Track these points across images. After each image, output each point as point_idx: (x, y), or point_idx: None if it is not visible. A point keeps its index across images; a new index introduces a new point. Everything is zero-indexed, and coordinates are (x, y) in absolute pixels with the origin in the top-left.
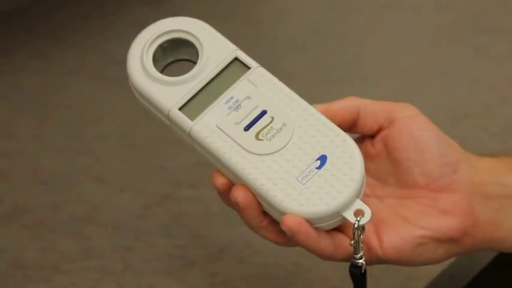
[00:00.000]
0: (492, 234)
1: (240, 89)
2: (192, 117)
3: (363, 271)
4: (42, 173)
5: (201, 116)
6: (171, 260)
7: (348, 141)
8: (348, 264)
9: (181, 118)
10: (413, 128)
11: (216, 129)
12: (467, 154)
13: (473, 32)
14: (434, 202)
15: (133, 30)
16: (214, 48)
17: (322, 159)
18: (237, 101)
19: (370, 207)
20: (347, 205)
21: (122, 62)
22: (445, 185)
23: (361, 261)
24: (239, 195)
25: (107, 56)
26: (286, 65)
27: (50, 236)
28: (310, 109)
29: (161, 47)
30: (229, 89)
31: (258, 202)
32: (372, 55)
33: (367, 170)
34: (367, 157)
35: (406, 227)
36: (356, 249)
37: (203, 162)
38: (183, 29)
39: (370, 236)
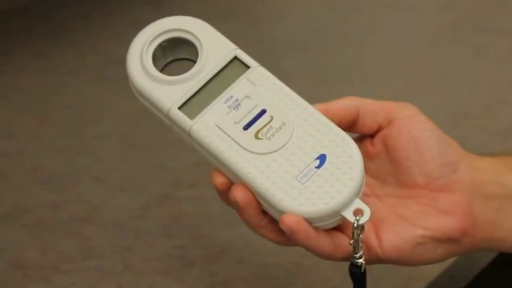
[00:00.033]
0: (492, 234)
1: (239, 88)
2: (191, 117)
3: (362, 270)
4: (42, 173)
5: (200, 115)
6: (170, 260)
7: (347, 141)
8: (347, 264)
9: (181, 117)
10: (412, 127)
11: (216, 128)
12: (467, 154)
13: (474, 32)
14: (434, 202)
15: (133, 30)
16: (214, 47)
17: (322, 158)
18: (237, 100)
19: (369, 207)
20: (346, 204)
21: (122, 62)
22: (444, 185)
23: (360, 260)
24: (238, 194)
25: (107, 55)
26: (286, 65)
27: (50, 236)
28: (310, 108)
29: (161, 46)
30: (228, 88)
31: (257, 201)
32: (372, 55)
33: (367, 170)
34: (366, 157)
35: (405, 226)
36: (355, 249)
37: (203, 162)
38: (183, 28)
39: (369, 235)
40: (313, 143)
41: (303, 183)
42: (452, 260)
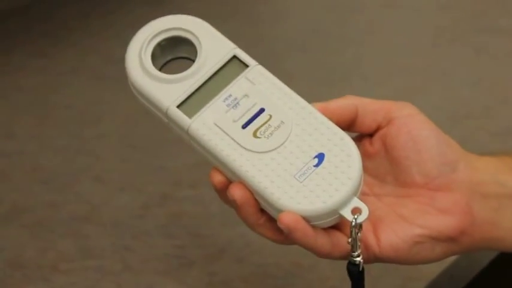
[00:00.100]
0: (491, 234)
1: (238, 87)
2: (190, 115)
3: (360, 269)
4: (41, 172)
5: (199, 113)
6: (170, 260)
7: (345, 140)
8: (346, 263)
9: (180, 116)
10: (411, 127)
11: (214, 127)
12: (466, 153)
13: (474, 32)
14: (432, 201)
15: (133, 29)
16: (213, 46)
17: (320, 157)
18: (235, 98)
19: (367, 206)
20: (344, 203)
21: (122, 62)
22: (443, 184)
23: (358, 259)
24: (236, 192)
25: (107, 55)
26: (286, 65)
27: (49, 236)
28: (308, 107)
29: (160, 45)
30: (227, 87)
31: (255, 200)
32: (372, 55)
33: (366, 169)
34: (365, 156)
35: (403, 225)
36: (353, 247)
37: (203, 162)
38: (182, 27)
39: (367, 234)
40: (311, 141)
41: (301, 182)
42: (451, 260)
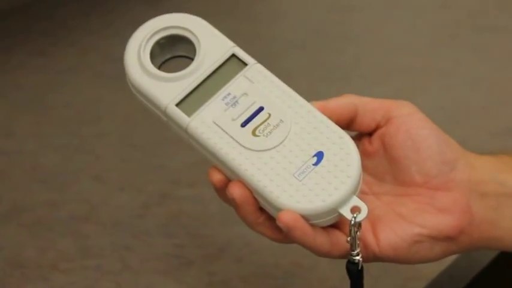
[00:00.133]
0: (489, 233)
1: (237, 85)
2: (189, 114)
3: (359, 268)
4: (40, 171)
5: (198, 112)
6: (169, 260)
7: (344, 138)
8: (345, 262)
9: (178, 114)
10: (410, 126)
11: (213, 125)
12: (466, 152)
13: (474, 32)
14: (432, 200)
15: (133, 28)
16: (212, 44)
17: (319, 155)
18: (234, 97)
19: (366, 204)
20: (343, 202)
21: (122, 60)
22: (442, 183)
23: (357, 258)
24: (235, 191)
25: (107, 54)
26: (285, 64)
27: (48, 235)
28: (307, 106)
29: (158, 43)
30: (226, 86)
31: (255, 198)
32: (371, 54)
33: (365, 168)
34: (364, 155)
35: (402, 224)
36: (352, 246)
37: (202, 161)
38: (181, 25)
39: (366, 233)
40: (310, 140)
41: (300, 181)
42: (451, 260)
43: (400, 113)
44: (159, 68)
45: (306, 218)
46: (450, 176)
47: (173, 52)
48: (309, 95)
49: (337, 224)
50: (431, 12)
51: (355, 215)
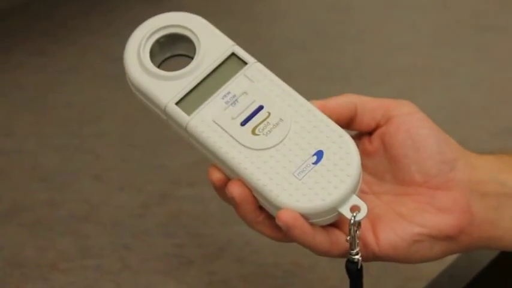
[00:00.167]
0: (489, 233)
1: (236, 84)
2: (188, 112)
3: (359, 267)
4: (40, 171)
5: (197, 110)
6: (169, 259)
7: (344, 137)
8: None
9: (178, 113)
10: (410, 125)
11: (213, 124)
12: (466, 152)
13: (474, 32)
14: (431, 199)
15: (133, 27)
16: (212, 43)
17: (319, 154)
18: (234, 96)
19: (366, 203)
20: (343, 201)
21: (122, 60)
22: (441, 183)
23: (357, 257)
24: (235, 190)
25: (107, 53)
26: (285, 64)
27: (48, 235)
28: (307, 105)
29: (158, 42)
30: (226, 84)
31: (254, 197)
32: (371, 54)
33: (365, 167)
34: (364, 154)
35: (402, 224)
36: (352, 245)
37: (202, 161)
38: (180, 24)
39: (366, 232)
40: (310, 139)
41: (300, 179)
42: (451, 260)
43: (400, 113)
44: (159, 66)
45: (305, 216)
46: (450, 176)
47: (173, 51)
48: (309, 95)
49: (337, 223)
50: (432, 12)
51: (354, 214)
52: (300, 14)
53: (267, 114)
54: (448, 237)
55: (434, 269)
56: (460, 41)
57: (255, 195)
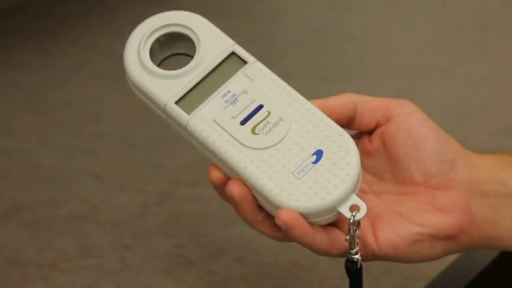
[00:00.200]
0: (489, 233)
1: (236, 83)
2: (188, 111)
3: (358, 266)
4: (40, 170)
5: (197, 109)
6: (169, 259)
7: (344, 136)
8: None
9: (178, 112)
10: (410, 124)
11: (212, 123)
12: (466, 151)
13: (475, 32)
14: (431, 199)
15: (133, 26)
16: (212, 42)
17: (318, 153)
18: (234, 95)
19: (366, 203)
20: (342, 200)
21: (122, 59)
22: (442, 182)
23: (356, 256)
24: (234, 189)
25: (107, 53)
26: (285, 64)
27: (48, 234)
28: (307, 104)
29: (158, 41)
30: (226, 83)
31: (254, 196)
32: (372, 54)
33: (365, 166)
34: (364, 153)
35: (402, 223)
36: (351, 245)
37: (202, 161)
38: (181, 23)
39: (366, 232)
40: (310, 138)
41: (299, 179)
42: (452, 259)
43: (400, 112)
44: (159, 65)
45: (305, 216)
46: (450, 175)
47: (173, 50)
48: (309, 95)
49: (337, 223)
50: (432, 12)
51: (354, 214)
52: (300, 13)
53: (267, 113)
54: (448, 237)
55: (434, 269)
56: (460, 40)
57: (255, 194)
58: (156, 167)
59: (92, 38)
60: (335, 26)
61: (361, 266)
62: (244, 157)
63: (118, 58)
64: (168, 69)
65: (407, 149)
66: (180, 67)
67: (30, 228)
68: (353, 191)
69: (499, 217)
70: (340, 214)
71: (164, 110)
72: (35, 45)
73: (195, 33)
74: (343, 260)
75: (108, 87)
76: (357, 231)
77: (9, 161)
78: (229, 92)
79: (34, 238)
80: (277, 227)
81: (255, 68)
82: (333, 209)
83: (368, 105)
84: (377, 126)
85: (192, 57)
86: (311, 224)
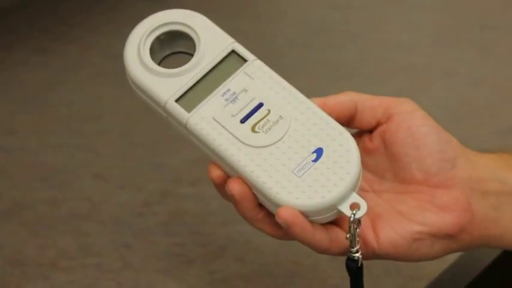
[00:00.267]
0: (489, 232)
1: (236, 81)
2: (188, 109)
3: (359, 265)
4: (41, 169)
5: (197, 108)
6: (170, 258)
7: (344, 135)
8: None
9: (178, 110)
10: (411, 123)
11: (212, 121)
12: (466, 150)
13: (477, 31)
14: (432, 198)
15: (134, 25)
16: (212, 40)
17: (318, 152)
18: (234, 93)
19: (366, 201)
20: (343, 198)
21: (122, 58)
22: (442, 181)
23: (357, 255)
24: (235, 187)
25: (108, 51)
26: (287, 62)
27: (49, 233)
28: (307, 102)
29: (158, 39)
30: (226, 82)
31: (254, 194)
32: (373, 53)
33: (365, 165)
34: (365, 152)
35: (402, 222)
36: (352, 243)
37: (203, 159)
38: (181, 21)
39: (366, 230)
40: (310, 136)
41: (299, 177)
42: (453, 259)
43: (401, 110)
44: (159, 64)
45: (305, 214)
46: (450, 174)
47: (173, 48)
48: (311, 93)
49: (337, 221)
50: (434, 11)
51: (354, 212)
52: (301, 12)
53: (267, 111)
54: (448, 236)
55: (436, 268)
56: (462, 40)
57: (255, 192)
58: (156, 166)
59: (92, 36)
60: (336, 25)
61: (362, 264)
62: (244, 155)
63: (119, 57)
64: (168, 68)
65: (407, 148)
66: (180, 65)
67: (31, 227)
68: (353, 189)
69: (499, 216)
70: (340, 212)
71: (164, 108)
72: (35, 44)
73: (195, 31)
74: (344, 259)
75: (108, 85)
76: (357, 230)
77: (10, 159)
78: (229, 90)
79: (34, 237)
80: (277, 225)
81: (255, 66)
82: (333, 207)
83: (368, 104)
84: (377, 125)
85: (192, 55)
86: (311, 222)
